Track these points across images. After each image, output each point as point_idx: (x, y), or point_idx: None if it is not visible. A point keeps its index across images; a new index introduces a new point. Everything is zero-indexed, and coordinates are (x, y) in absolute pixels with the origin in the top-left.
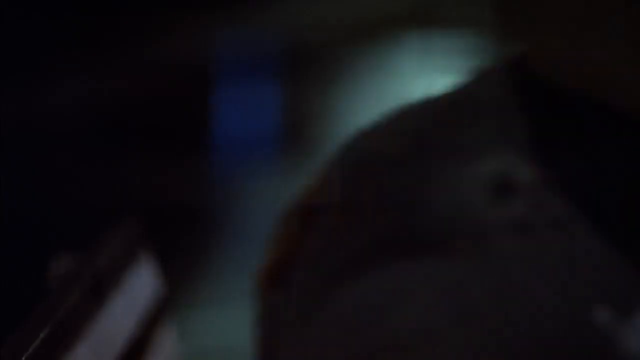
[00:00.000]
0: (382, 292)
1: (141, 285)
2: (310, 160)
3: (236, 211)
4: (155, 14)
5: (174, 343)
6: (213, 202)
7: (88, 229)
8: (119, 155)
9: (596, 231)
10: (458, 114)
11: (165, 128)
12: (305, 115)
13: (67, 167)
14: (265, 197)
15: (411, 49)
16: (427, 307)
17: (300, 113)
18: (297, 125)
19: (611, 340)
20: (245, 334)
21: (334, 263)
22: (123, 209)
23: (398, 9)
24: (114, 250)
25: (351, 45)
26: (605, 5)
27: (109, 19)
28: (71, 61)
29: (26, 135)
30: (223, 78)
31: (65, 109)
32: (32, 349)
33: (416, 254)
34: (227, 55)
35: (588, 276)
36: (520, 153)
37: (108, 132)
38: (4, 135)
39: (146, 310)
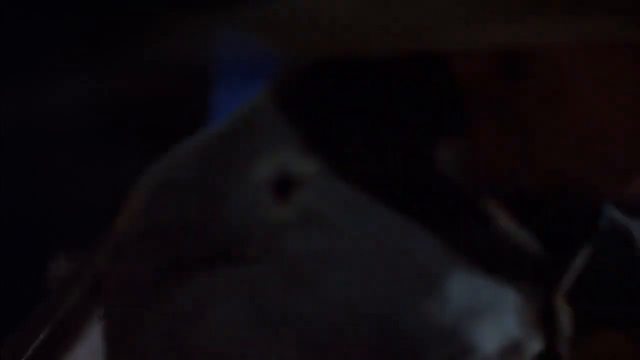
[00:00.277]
0: (187, 307)
1: None
2: None
3: None
4: (155, 14)
5: None
6: None
7: (88, 229)
8: (119, 155)
9: (385, 212)
10: (243, 128)
11: (165, 128)
12: None
13: (67, 167)
14: None
15: None
16: (228, 314)
17: None
18: None
19: (406, 328)
20: None
21: (142, 287)
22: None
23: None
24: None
25: None
26: None
27: (109, 19)
28: (71, 61)
29: (26, 135)
30: (223, 78)
31: (65, 109)
32: (32, 349)
33: (216, 266)
34: (227, 55)
35: (383, 261)
36: (299, 149)
37: (108, 132)
38: (4, 135)
39: None
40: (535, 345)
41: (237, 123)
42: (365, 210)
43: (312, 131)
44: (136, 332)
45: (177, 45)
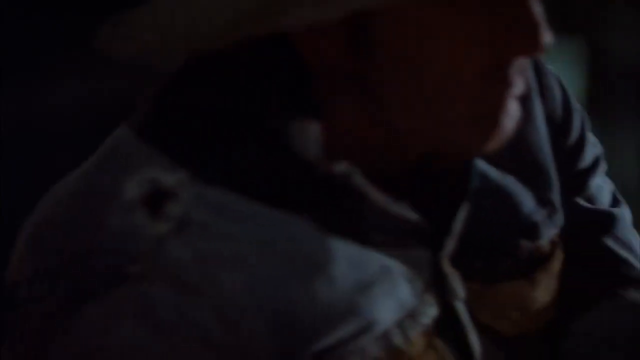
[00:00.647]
0: (87, 336)
1: None
2: None
3: None
4: None
5: None
6: None
7: None
8: None
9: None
10: (109, 153)
11: None
12: None
13: (67, 167)
14: None
15: None
16: (128, 333)
17: None
18: None
19: (300, 313)
20: None
21: (39, 329)
22: None
23: None
24: None
25: None
26: None
27: (109, 18)
28: (71, 61)
29: (26, 135)
30: None
31: (65, 109)
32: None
33: (107, 290)
34: None
35: (266, 254)
36: (165, 163)
37: (108, 132)
38: (4, 135)
39: None
40: (432, 311)
41: (104, 149)
42: (239, 210)
43: (175, 143)
44: None
45: None
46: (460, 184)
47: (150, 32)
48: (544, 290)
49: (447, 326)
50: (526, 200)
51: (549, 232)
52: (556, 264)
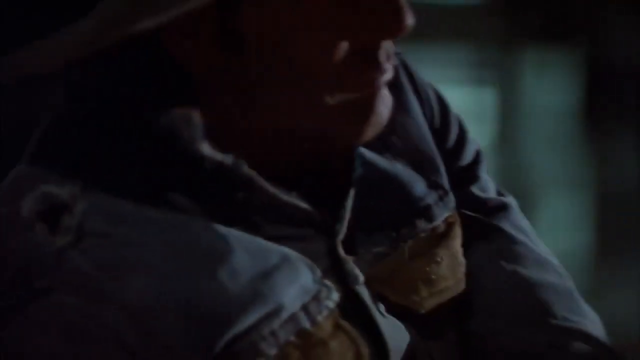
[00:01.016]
0: (8, 347)
1: None
2: None
3: None
4: None
5: None
6: None
7: None
8: None
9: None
10: None
11: None
12: None
13: None
14: None
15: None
16: (46, 347)
17: None
18: None
19: (209, 305)
20: None
21: None
22: None
23: None
24: None
25: None
26: None
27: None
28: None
29: (26, 135)
30: None
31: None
32: None
33: (21, 307)
34: None
35: (170, 254)
36: (57, 177)
37: None
38: (4, 135)
39: None
40: (334, 295)
41: (3, 184)
42: (135, 214)
43: (64, 158)
44: None
45: None
46: (347, 172)
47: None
48: (447, 267)
49: (353, 309)
50: (417, 184)
51: (442, 213)
52: (456, 242)
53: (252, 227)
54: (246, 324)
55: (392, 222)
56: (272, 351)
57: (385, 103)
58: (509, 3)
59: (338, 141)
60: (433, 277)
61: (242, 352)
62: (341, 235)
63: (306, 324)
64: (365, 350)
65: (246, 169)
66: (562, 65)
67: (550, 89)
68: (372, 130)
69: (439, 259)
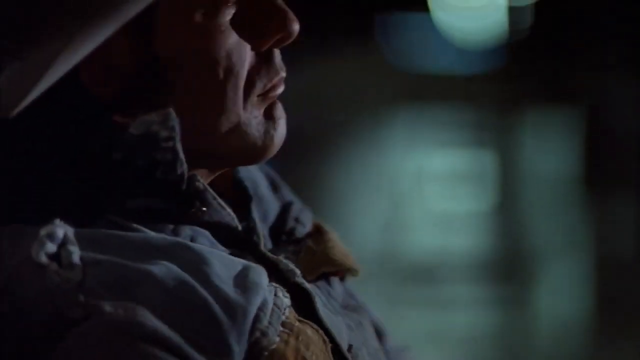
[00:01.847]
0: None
1: None
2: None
3: None
4: None
5: None
6: None
7: None
8: None
9: None
10: None
11: None
12: (297, 191)
13: None
14: None
15: (405, 123)
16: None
17: (294, 189)
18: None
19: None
20: None
21: None
22: None
23: (392, 83)
24: None
25: (344, 119)
26: None
27: None
28: None
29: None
30: None
31: None
32: None
33: (62, 334)
34: None
35: (163, 275)
36: (48, 221)
37: None
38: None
39: None
40: (285, 292)
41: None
42: (113, 240)
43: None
44: None
45: None
46: (238, 189)
47: None
48: (339, 251)
49: (303, 300)
50: (278, 198)
51: (309, 218)
52: (332, 234)
53: (211, 239)
54: (252, 315)
55: (284, 224)
56: (276, 339)
57: (284, 118)
58: (509, 67)
59: (247, 155)
60: (333, 252)
61: (259, 341)
62: (262, 244)
63: (282, 316)
64: (325, 337)
65: (200, 183)
66: (561, 129)
67: (550, 151)
68: (279, 143)
69: (331, 245)
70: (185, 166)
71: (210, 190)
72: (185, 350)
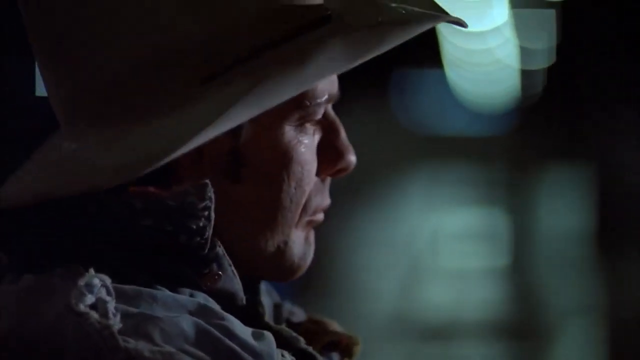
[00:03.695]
0: None
1: None
2: (321, 300)
3: None
4: None
5: None
6: None
7: None
8: None
9: None
10: None
11: None
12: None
13: None
14: None
15: (420, 182)
16: None
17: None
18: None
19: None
20: None
21: None
22: None
23: (406, 143)
24: None
25: (358, 179)
26: None
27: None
28: None
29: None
30: None
31: None
32: None
33: None
34: None
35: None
36: (85, 276)
37: None
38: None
39: None
40: (292, 358)
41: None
42: (147, 295)
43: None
44: None
45: None
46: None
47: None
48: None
49: None
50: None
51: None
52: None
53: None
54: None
55: (279, 319)
56: None
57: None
58: (523, 128)
59: (281, 273)
60: (336, 330)
61: None
62: (266, 315)
63: None
64: None
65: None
66: (575, 187)
67: (564, 210)
68: (308, 262)
69: (329, 323)
70: (211, 231)
71: (227, 258)
72: None
